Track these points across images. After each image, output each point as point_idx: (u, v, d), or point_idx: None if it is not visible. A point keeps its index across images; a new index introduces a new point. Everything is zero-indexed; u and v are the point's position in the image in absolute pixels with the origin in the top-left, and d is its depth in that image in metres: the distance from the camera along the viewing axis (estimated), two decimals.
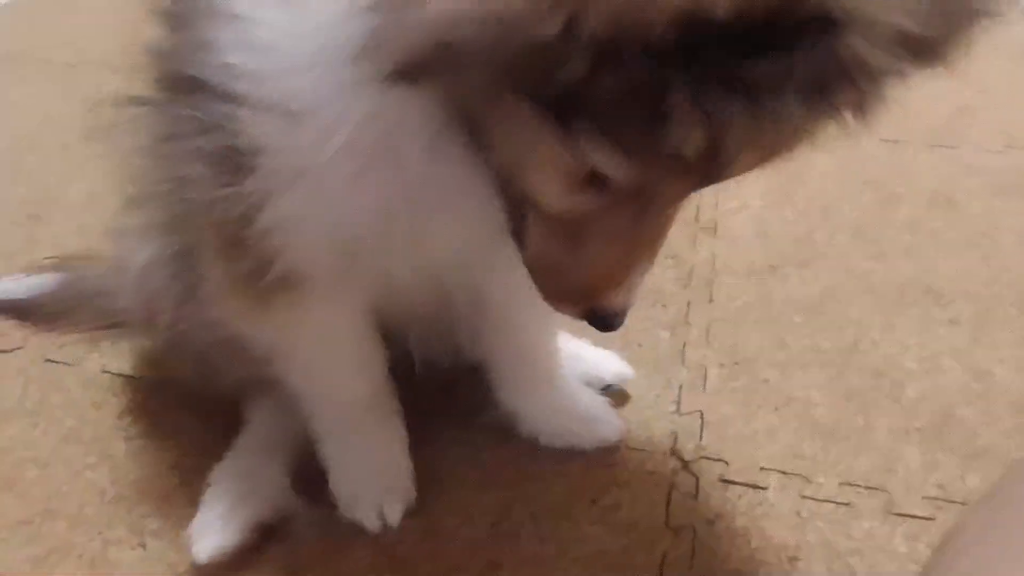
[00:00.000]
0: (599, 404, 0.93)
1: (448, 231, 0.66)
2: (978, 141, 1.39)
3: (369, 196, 0.61)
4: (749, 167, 0.54)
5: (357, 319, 0.78)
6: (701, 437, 0.92)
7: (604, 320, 0.63)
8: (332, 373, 0.82)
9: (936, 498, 0.85)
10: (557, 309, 0.65)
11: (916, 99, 1.44)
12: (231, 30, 0.58)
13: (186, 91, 0.61)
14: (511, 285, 0.81)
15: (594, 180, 0.53)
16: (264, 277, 0.67)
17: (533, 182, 0.56)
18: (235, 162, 0.60)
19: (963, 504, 0.83)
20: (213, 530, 0.80)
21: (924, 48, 0.47)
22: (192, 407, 0.96)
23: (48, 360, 1.04)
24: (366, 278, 0.70)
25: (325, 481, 0.85)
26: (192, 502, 0.86)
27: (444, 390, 0.94)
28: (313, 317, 0.74)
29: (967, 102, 1.48)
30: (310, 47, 0.55)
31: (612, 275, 0.61)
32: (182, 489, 0.89)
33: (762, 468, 0.88)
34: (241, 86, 0.57)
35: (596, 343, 1.00)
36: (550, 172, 0.54)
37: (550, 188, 0.56)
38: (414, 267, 0.70)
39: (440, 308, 0.82)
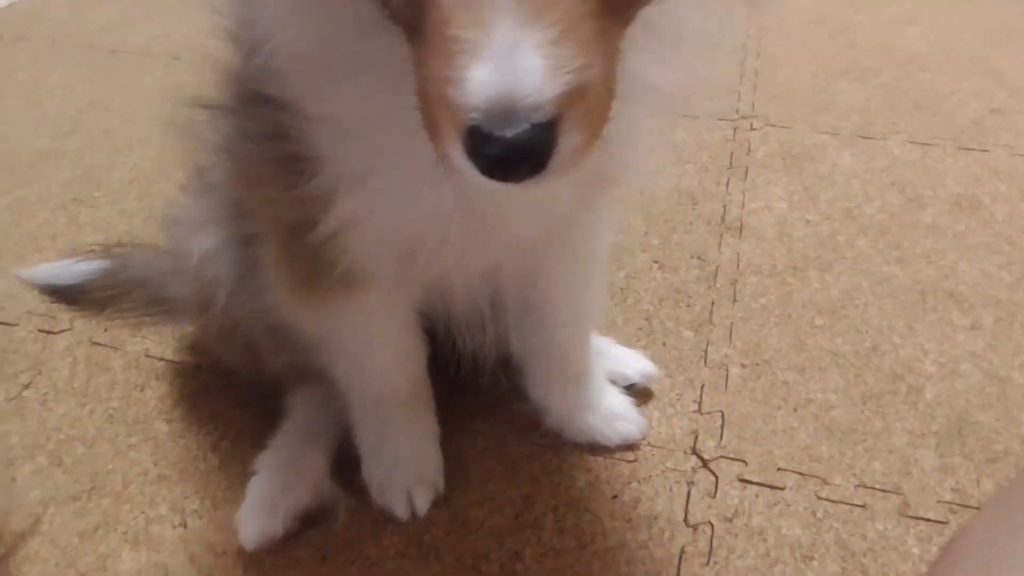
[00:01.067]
0: (623, 402, 0.95)
1: (505, 229, 0.69)
2: (1009, 143, 1.39)
3: (428, 198, 0.63)
4: None
5: (407, 314, 0.81)
6: (721, 436, 0.94)
7: (479, 136, 0.41)
8: (376, 366, 0.85)
9: (951, 502, 0.87)
10: (444, 153, 0.45)
11: (947, 100, 1.46)
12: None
13: (254, 102, 0.64)
14: (555, 283, 0.85)
15: None
16: (323, 273, 0.70)
17: None
18: (300, 167, 0.63)
19: (977, 509, 0.85)
20: (260, 518, 0.84)
21: None
22: (229, 392, 1.01)
23: (94, 343, 1.09)
24: (422, 275, 0.73)
25: (358, 468, 0.89)
26: (231, 484, 0.91)
27: (473, 382, 0.97)
28: (365, 311, 0.77)
29: (999, 104, 1.48)
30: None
31: (459, 37, 0.41)
32: (221, 471, 0.93)
33: (780, 468, 0.91)
34: (304, 101, 0.60)
35: (621, 341, 1.04)
36: None
37: None
38: (468, 264, 0.73)
39: (484, 303, 0.85)
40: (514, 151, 0.40)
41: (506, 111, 0.39)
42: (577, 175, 0.62)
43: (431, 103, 0.43)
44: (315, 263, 0.70)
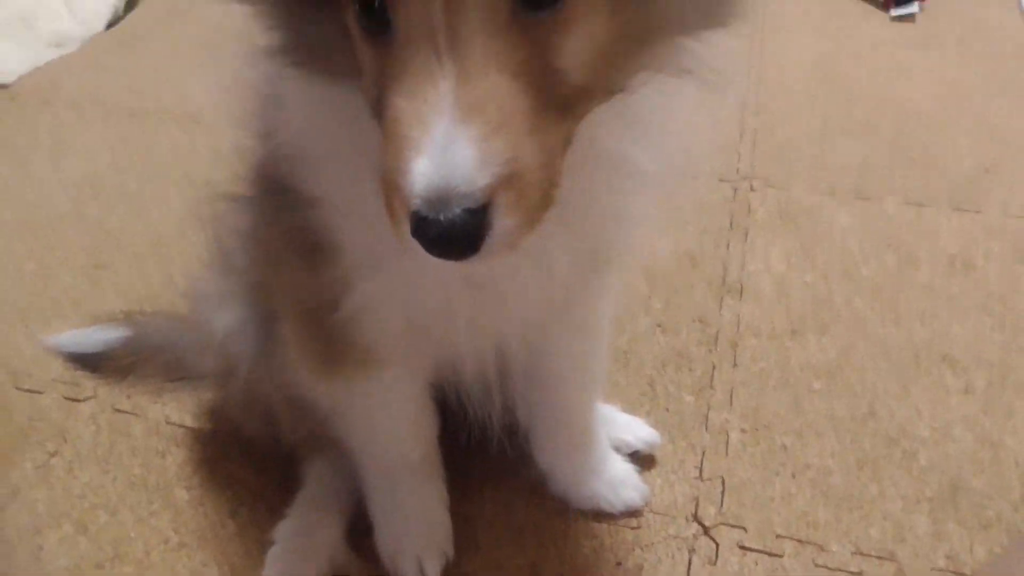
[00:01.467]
0: (626, 470, 0.99)
1: (509, 308, 0.73)
2: (1002, 203, 1.43)
3: (437, 282, 0.68)
4: None
5: (419, 388, 0.86)
6: (722, 503, 0.98)
7: (420, 220, 0.46)
8: (389, 437, 0.89)
9: (944, 569, 0.90)
10: (398, 235, 0.50)
11: (942, 157, 1.51)
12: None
13: (276, 193, 0.69)
14: (560, 354, 0.90)
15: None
16: (340, 351, 0.75)
17: (366, 93, 0.54)
18: (319, 254, 0.68)
19: None
20: None
21: None
22: (246, 459, 1.05)
23: (117, 409, 1.13)
24: (433, 352, 0.78)
25: (371, 534, 0.92)
26: (248, 551, 0.94)
27: (482, 448, 1.00)
28: (379, 386, 0.82)
29: (992, 161, 1.52)
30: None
31: (405, 134, 0.47)
32: (239, 538, 0.97)
33: (778, 535, 0.94)
34: (319, 192, 0.65)
35: (625, 406, 1.07)
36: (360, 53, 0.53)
37: (365, 80, 0.53)
38: (476, 340, 0.77)
39: (492, 374, 0.89)
40: (448, 233, 0.46)
41: (440, 198, 0.45)
42: (573, 255, 0.68)
43: (388, 190, 0.49)
44: (332, 342, 0.75)
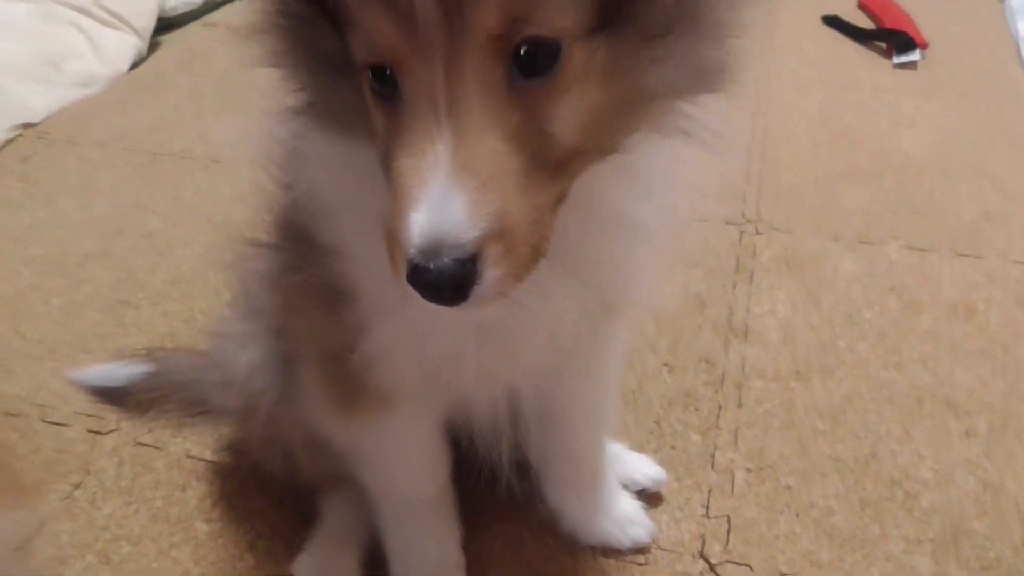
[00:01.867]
0: (634, 507, 1.02)
1: (518, 355, 0.76)
2: (1003, 249, 1.46)
3: (449, 328, 0.71)
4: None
5: (432, 428, 0.89)
6: (727, 541, 1.00)
7: (415, 268, 0.50)
8: (403, 474, 0.92)
9: None
10: (399, 283, 0.53)
11: (944, 204, 1.55)
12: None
13: (297, 239, 0.73)
14: (571, 397, 0.93)
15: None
16: (357, 393, 0.79)
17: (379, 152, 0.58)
18: (339, 300, 0.72)
19: None
20: None
21: None
22: (265, 493, 1.08)
23: (139, 443, 1.16)
24: (446, 395, 0.82)
25: (386, 569, 0.95)
26: None
27: (493, 485, 1.03)
28: (395, 426, 0.85)
29: (994, 208, 1.56)
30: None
31: (406, 190, 0.51)
32: (257, 571, 1.00)
33: (783, 574, 0.96)
34: (337, 242, 0.69)
35: (633, 444, 1.10)
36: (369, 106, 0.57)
37: (377, 140, 0.57)
38: (487, 384, 0.81)
39: (504, 415, 0.92)
40: (439, 280, 0.50)
41: (433, 247, 0.49)
42: (580, 304, 0.71)
43: (389, 240, 0.53)
44: (350, 383, 0.78)
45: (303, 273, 0.75)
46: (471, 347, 0.73)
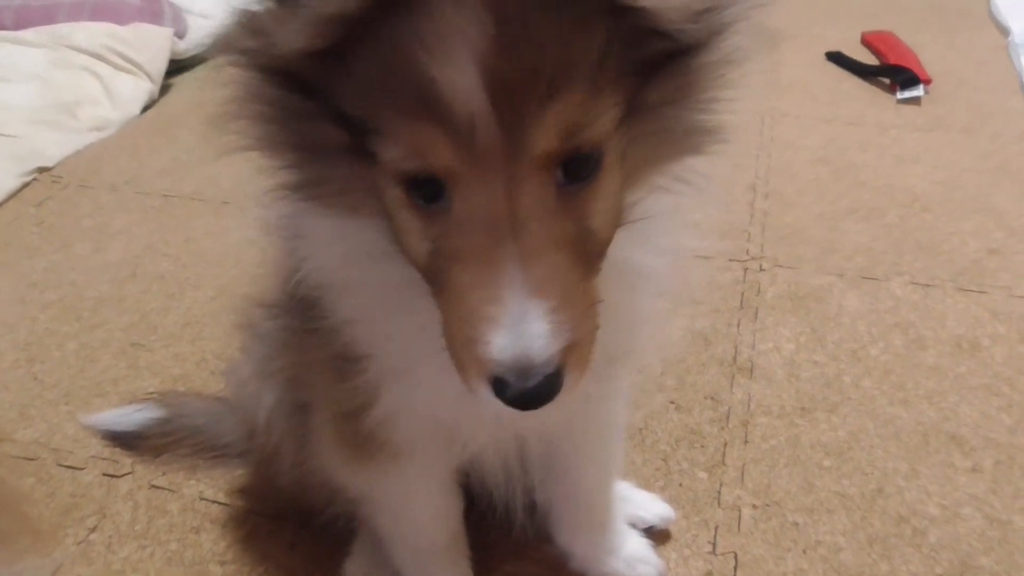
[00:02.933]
0: (643, 546, 1.03)
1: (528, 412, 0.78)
2: (1007, 285, 1.47)
3: (458, 390, 0.73)
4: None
5: (443, 478, 0.91)
6: None
7: (502, 383, 0.54)
8: (416, 522, 0.94)
9: None
10: (472, 387, 0.57)
11: (948, 240, 1.56)
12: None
13: (308, 306, 0.75)
14: (578, 445, 0.94)
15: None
16: (369, 447, 0.81)
17: (407, 246, 0.60)
18: (349, 364, 0.74)
19: None
20: None
21: None
22: (278, 536, 1.09)
23: (153, 486, 1.18)
24: (455, 446, 0.84)
25: None
26: None
27: (505, 526, 1.04)
28: (406, 477, 0.87)
29: (998, 244, 1.57)
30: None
31: (479, 308, 0.54)
32: None
33: None
34: (346, 314, 0.71)
35: (640, 482, 1.11)
36: (403, 219, 0.59)
37: (408, 237, 0.59)
38: (497, 439, 0.84)
39: (514, 463, 0.94)
40: (535, 395, 0.54)
41: (523, 368, 0.53)
42: None
43: (459, 351, 0.56)
44: (362, 439, 0.81)
45: (313, 338, 0.77)
46: (480, 407, 0.75)
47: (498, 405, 0.55)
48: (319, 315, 0.73)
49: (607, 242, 0.60)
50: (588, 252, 0.57)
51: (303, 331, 0.78)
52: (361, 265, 0.68)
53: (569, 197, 0.55)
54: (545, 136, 0.52)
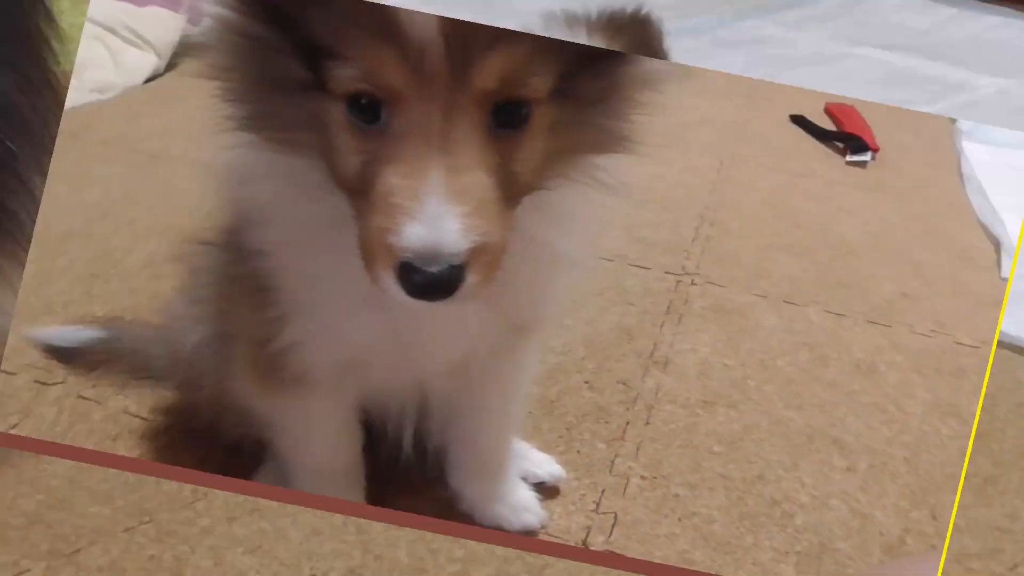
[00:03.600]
0: (529, 497, 1.10)
1: (425, 358, 0.89)
2: (911, 323, 1.57)
3: (361, 325, 0.83)
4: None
5: (345, 410, 0.99)
6: (611, 534, 1.07)
7: (407, 269, 0.61)
8: (316, 449, 1.02)
9: None
10: (377, 278, 0.64)
11: (867, 281, 1.67)
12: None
13: (234, 247, 0.86)
14: (479, 402, 1.02)
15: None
16: (278, 375, 0.89)
17: (340, 167, 0.68)
18: (264, 297, 0.84)
19: None
20: None
21: None
22: (191, 450, 1.15)
23: (80, 396, 1.23)
24: (358, 384, 0.93)
25: None
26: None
27: (401, 466, 1.10)
28: (310, 406, 0.96)
29: (911, 290, 1.69)
30: None
31: (398, 202, 0.61)
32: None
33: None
34: (266, 247, 0.81)
35: (541, 445, 1.18)
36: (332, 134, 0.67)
37: (343, 157, 0.67)
38: (397, 378, 0.94)
39: (413, 406, 1.02)
40: (436, 281, 0.62)
41: (430, 254, 0.61)
42: (488, 320, 0.83)
43: (371, 244, 0.64)
44: (272, 367, 0.89)
45: (236, 272, 0.87)
46: (383, 342, 0.84)
47: (401, 295, 0.63)
48: (245, 249, 0.82)
49: (526, 187, 0.70)
50: (509, 185, 0.67)
51: (231, 265, 0.87)
52: (290, 200, 0.77)
53: (497, 140, 0.65)
54: (486, 75, 0.62)
